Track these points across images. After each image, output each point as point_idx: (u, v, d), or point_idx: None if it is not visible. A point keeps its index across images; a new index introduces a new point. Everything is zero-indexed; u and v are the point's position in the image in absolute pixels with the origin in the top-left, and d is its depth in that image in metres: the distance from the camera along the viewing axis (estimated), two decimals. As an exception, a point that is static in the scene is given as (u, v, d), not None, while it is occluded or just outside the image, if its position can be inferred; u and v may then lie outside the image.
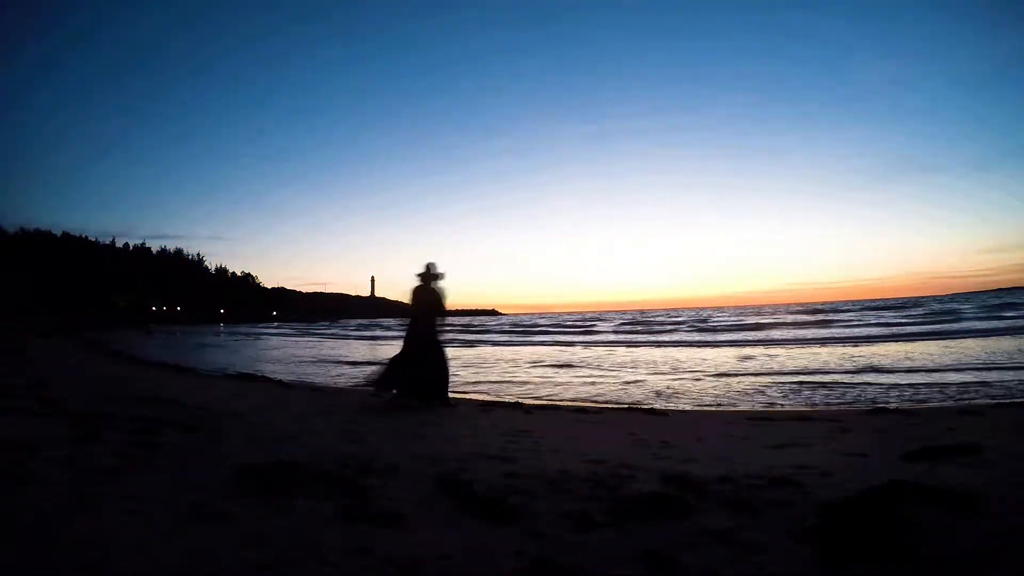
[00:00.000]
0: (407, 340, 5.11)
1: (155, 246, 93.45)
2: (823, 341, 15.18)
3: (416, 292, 5.19)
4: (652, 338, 19.12)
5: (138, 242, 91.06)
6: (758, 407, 5.49)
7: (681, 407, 5.59)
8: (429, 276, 5.21)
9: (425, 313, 5.11)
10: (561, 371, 9.54)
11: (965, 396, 5.60)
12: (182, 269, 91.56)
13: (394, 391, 5.03)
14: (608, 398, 6.27)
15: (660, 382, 7.60)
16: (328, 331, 37.37)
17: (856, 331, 18.03)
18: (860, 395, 5.95)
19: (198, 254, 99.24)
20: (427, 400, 4.94)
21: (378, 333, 31.51)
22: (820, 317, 30.60)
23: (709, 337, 19.07)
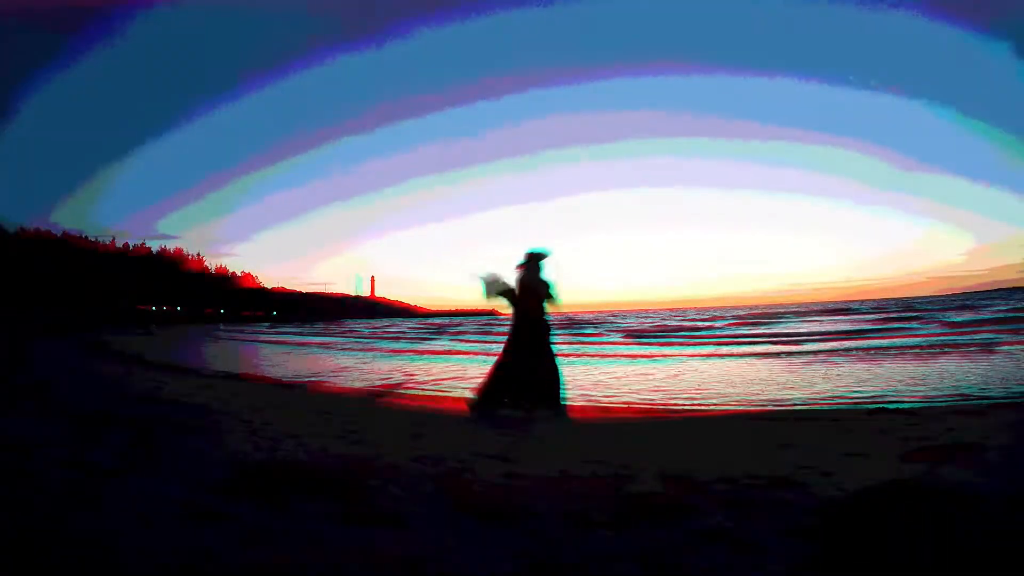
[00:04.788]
0: (511, 341, 4.50)
1: (155, 246, 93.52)
2: (830, 348, 15.19)
3: (520, 284, 4.54)
4: (651, 350, 19.09)
5: (138, 242, 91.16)
6: (758, 407, 5.49)
7: (682, 407, 5.59)
8: (532, 263, 4.56)
9: (530, 307, 4.48)
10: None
11: (965, 396, 5.60)
12: (182, 269, 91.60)
13: (503, 404, 4.37)
14: (609, 397, 6.26)
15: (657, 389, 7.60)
16: (333, 334, 37.34)
17: (869, 341, 18.02)
18: (860, 395, 5.94)
19: (198, 254, 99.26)
20: (534, 408, 4.32)
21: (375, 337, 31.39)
22: (831, 320, 30.57)
23: (710, 340, 19.05)
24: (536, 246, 4.67)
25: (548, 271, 4.63)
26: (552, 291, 4.60)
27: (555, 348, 4.66)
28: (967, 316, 22.38)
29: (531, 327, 4.54)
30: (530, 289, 4.56)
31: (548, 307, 4.59)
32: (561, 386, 4.55)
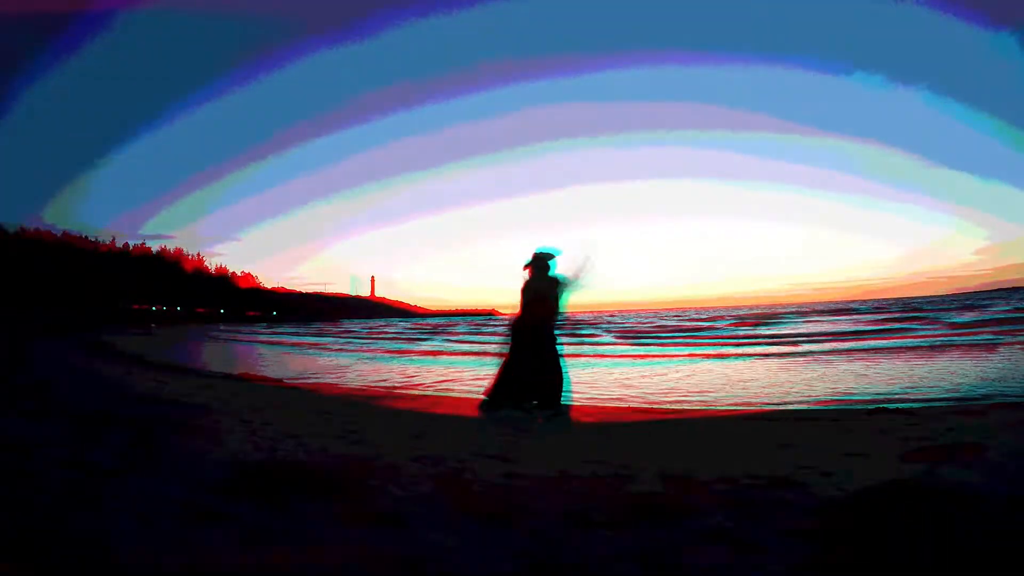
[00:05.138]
0: (513, 342, 4.50)
1: (155, 246, 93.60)
2: (831, 347, 15.18)
3: (524, 286, 4.53)
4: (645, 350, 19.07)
5: (138, 242, 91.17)
6: (758, 407, 5.49)
7: (682, 407, 5.58)
8: (540, 263, 4.52)
9: (534, 306, 4.46)
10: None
11: (965, 396, 5.60)
12: (182, 269, 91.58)
13: (508, 404, 4.37)
14: (608, 398, 6.27)
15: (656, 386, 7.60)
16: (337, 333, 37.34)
17: (873, 342, 17.99)
18: (860, 395, 5.94)
19: (198, 254, 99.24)
20: (536, 409, 4.33)
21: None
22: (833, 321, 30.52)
23: (712, 340, 19.04)
24: (544, 246, 4.65)
25: (558, 269, 4.60)
26: (566, 283, 4.55)
27: (561, 349, 4.67)
28: (969, 316, 22.36)
29: (534, 329, 4.54)
30: (536, 292, 4.55)
31: (564, 303, 4.55)
32: (565, 387, 4.56)
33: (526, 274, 4.65)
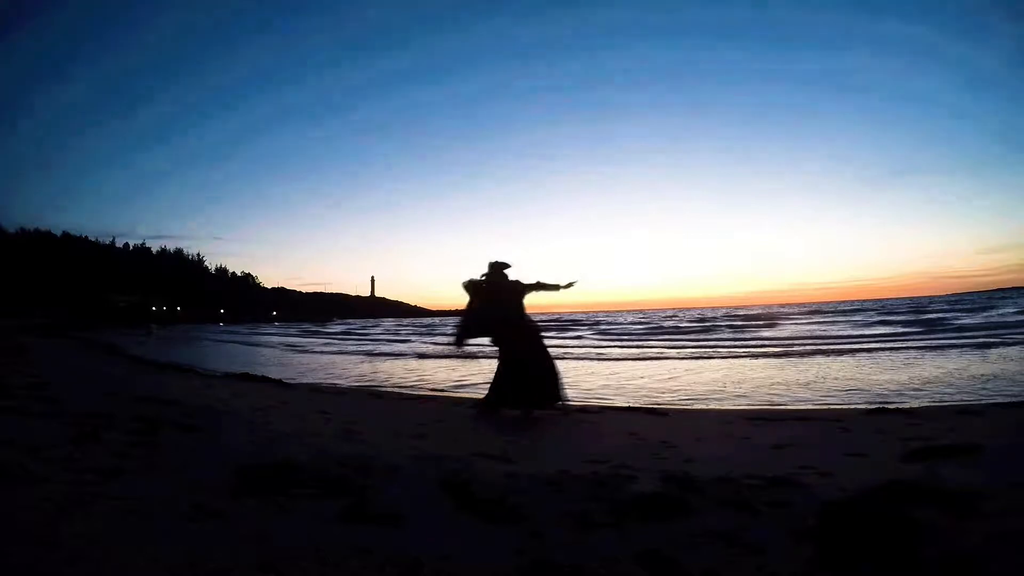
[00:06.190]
0: (503, 347, 4.60)
1: (155, 246, 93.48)
2: (828, 346, 15.16)
3: (481, 288, 4.70)
4: (641, 350, 19.01)
5: (138, 242, 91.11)
6: (758, 407, 5.49)
7: (681, 407, 5.58)
8: (496, 271, 4.70)
9: (508, 309, 4.64)
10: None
11: (965, 396, 5.60)
12: (182, 269, 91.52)
13: (506, 404, 4.46)
14: (608, 399, 6.26)
15: (658, 387, 7.59)
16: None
17: (870, 345, 17.91)
18: (860, 395, 5.94)
19: (198, 254, 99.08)
20: (534, 406, 4.42)
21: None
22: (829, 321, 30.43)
23: (711, 339, 19.04)
24: (497, 258, 4.84)
25: (513, 276, 4.80)
26: (526, 289, 4.77)
27: (548, 348, 4.75)
28: (969, 318, 22.33)
29: (516, 329, 4.66)
30: (506, 293, 4.72)
31: (524, 302, 4.77)
32: (559, 384, 4.60)
33: (487, 282, 4.78)
